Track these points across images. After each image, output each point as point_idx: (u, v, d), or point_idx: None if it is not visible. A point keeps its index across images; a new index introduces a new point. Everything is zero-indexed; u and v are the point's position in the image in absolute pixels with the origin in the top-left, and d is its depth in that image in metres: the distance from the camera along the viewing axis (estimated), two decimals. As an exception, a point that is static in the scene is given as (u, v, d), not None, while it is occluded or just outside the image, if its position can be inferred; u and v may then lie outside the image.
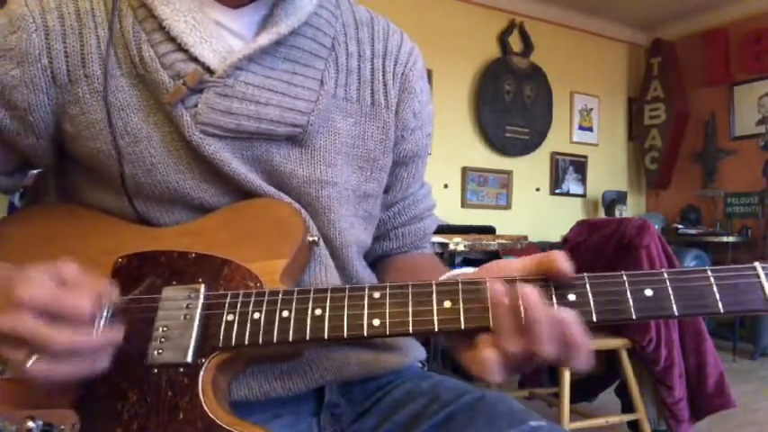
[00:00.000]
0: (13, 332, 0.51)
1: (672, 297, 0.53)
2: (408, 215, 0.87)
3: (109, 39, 0.68)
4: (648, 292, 0.53)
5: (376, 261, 0.88)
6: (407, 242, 0.87)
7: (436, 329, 0.55)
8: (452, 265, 3.60)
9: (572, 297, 0.54)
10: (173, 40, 0.68)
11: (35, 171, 0.84)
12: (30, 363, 0.51)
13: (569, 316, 0.51)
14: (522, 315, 0.51)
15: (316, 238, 0.71)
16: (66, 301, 0.52)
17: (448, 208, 4.62)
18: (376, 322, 0.56)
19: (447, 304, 0.56)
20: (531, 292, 0.51)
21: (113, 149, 0.68)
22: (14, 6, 0.68)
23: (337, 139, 0.75)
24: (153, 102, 0.69)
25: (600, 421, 2.26)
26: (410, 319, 0.56)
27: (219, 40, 0.70)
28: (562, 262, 0.53)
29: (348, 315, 0.57)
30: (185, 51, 0.68)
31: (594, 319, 0.54)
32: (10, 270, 0.55)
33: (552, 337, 0.50)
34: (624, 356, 2.22)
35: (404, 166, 0.84)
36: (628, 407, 2.34)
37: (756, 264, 0.53)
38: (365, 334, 0.56)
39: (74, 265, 0.54)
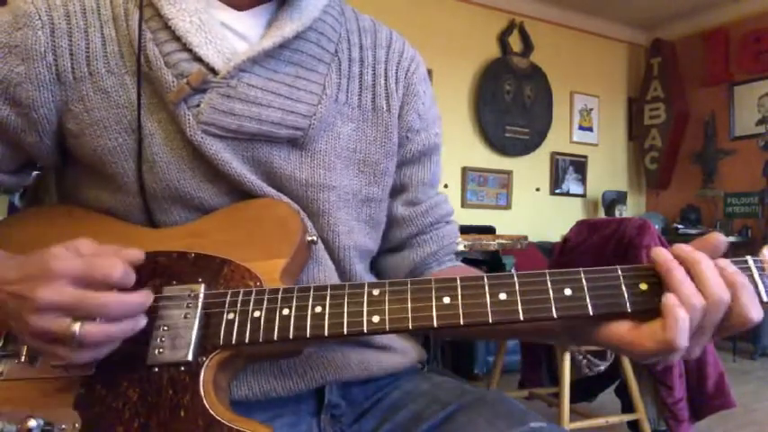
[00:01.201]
0: (56, 303, 0.52)
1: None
2: (435, 216, 0.85)
3: (138, 42, 0.68)
4: (643, 287, 0.55)
5: (412, 274, 0.84)
6: (443, 245, 0.84)
7: (435, 325, 0.56)
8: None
9: (568, 291, 0.56)
10: (178, 39, 0.68)
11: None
12: (78, 327, 0.52)
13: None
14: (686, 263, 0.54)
15: (314, 238, 0.71)
16: (99, 268, 0.54)
17: (448, 208, 4.61)
18: (375, 319, 0.57)
19: (446, 300, 0.56)
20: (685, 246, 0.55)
21: (120, 146, 0.68)
22: (20, 3, 0.68)
23: (338, 143, 0.75)
24: (156, 100, 0.69)
25: (600, 421, 2.26)
26: (409, 315, 0.56)
27: (224, 41, 0.70)
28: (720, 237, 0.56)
29: (348, 312, 0.57)
30: (190, 51, 0.68)
31: (591, 313, 0.55)
32: (28, 255, 0.57)
33: (717, 280, 0.53)
34: (624, 356, 2.22)
35: (413, 165, 0.84)
36: (628, 407, 2.34)
37: (748, 257, 0.55)
38: (365, 330, 0.57)
39: (89, 241, 0.57)
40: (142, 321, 0.56)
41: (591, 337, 0.59)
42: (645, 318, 0.54)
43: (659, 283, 0.55)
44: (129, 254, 0.57)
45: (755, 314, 0.52)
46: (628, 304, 0.55)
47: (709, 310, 0.52)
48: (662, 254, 0.55)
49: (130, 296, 0.55)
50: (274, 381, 0.69)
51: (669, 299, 0.52)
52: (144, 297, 0.56)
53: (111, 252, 0.57)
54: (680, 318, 0.51)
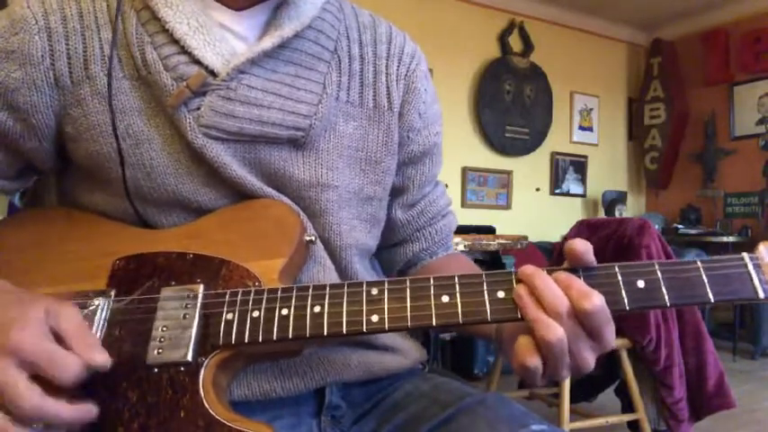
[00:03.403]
0: None
1: (663, 288, 0.54)
2: (430, 214, 0.87)
3: (113, 41, 0.68)
4: (641, 284, 0.55)
5: (407, 268, 0.87)
6: (436, 241, 0.87)
7: (434, 324, 0.56)
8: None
9: None
10: (176, 42, 0.68)
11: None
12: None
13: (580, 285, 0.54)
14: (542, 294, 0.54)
15: (313, 238, 0.71)
16: (54, 363, 0.50)
17: (448, 208, 4.61)
18: (374, 318, 0.56)
19: (445, 299, 0.56)
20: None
21: (114, 152, 0.68)
22: (17, 8, 0.68)
23: (339, 142, 0.75)
24: (155, 104, 0.68)
25: (600, 421, 2.26)
26: (408, 314, 0.56)
27: (223, 42, 0.70)
28: (578, 243, 0.56)
29: (347, 311, 0.57)
30: (188, 54, 0.67)
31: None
32: (10, 296, 0.54)
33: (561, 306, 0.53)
34: (624, 356, 2.22)
35: (413, 165, 0.84)
36: (628, 407, 2.34)
37: (744, 254, 0.55)
38: (364, 329, 0.56)
39: (74, 318, 0.54)
40: None
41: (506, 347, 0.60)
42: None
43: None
44: (98, 358, 0.53)
45: (588, 304, 0.52)
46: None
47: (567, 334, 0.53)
48: (519, 296, 0.55)
49: (53, 407, 0.50)
50: (274, 381, 0.69)
51: (521, 346, 0.54)
52: (68, 414, 0.51)
53: (84, 345, 0.52)
54: (531, 366, 0.53)
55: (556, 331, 0.52)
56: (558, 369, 0.53)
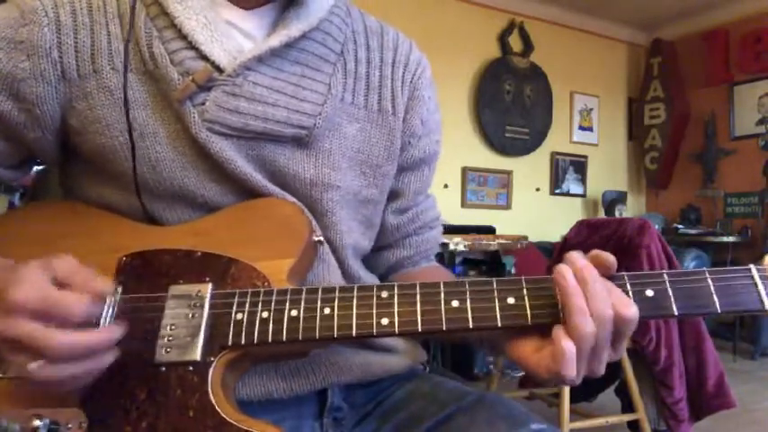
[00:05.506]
0: (9, 336, 0.50)
1: (672, 297, 0.55)
2: (420, 222, 0.86)
3: (128, 35, 0.68)
4: (649, 293, 0.55)
5: (388, 272, 0.88)
6: (420, 250, 0.87)
7: (444, 328, 0.56)
8: (453, 265, 3.61)
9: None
10: (184, 37, 0.68)
11: (37, 168, 0.84)
12: (33, 366, 0.50)
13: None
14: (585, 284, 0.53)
15: (321, 238, 0.71)
16: (60, 303, 0.51)
17: (448, 208, 4.62)
18: (385, 321, 0.57)
19: (455, 304, 0.57)
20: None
21: (120, 144, 0.68)
22: None
23: (343, 143, 0.75)
24: (161, 98, 0.69)
25: (600, 421, 2.26)
26: (419, 318, 0.56)
27: (230, 39, 0.70)
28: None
29: (357, 314, 0.57)
30: (196, 49, 0.68)
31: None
32: (4, 269, 0.55)
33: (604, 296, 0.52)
34: (624, 356, 2.22)
35: (410, 172, 0.84)
36: (628, 407, 2.35)
37: (751, 266, 0.55)
38: (374, 332, 0.56)
39: (68, 262, 0.54)
40: (106, 359, 0.54)
41: (505, 351, 0.59)
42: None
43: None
44: (99, 286, 0.54)
45: (629, 312, 0.52)
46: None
47: (598, 331, 0.52)
48: (564, 278, 0.54)
49: (82, 337, 0.51)
50: (277, 381, 0.69)
51: (557, 332, 0.53)
52: (98, 338, 0.53)
53: (83, 281, 0.53)
54: (566, 351, 0.52)
55: (590, 324, 0.52)
56: (580, 366, 0.53)
